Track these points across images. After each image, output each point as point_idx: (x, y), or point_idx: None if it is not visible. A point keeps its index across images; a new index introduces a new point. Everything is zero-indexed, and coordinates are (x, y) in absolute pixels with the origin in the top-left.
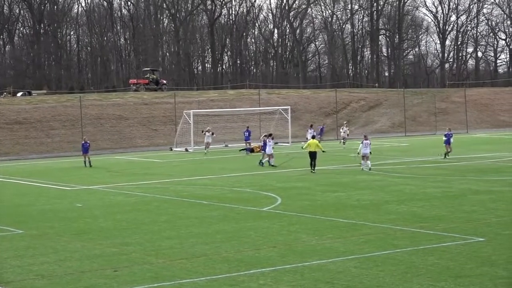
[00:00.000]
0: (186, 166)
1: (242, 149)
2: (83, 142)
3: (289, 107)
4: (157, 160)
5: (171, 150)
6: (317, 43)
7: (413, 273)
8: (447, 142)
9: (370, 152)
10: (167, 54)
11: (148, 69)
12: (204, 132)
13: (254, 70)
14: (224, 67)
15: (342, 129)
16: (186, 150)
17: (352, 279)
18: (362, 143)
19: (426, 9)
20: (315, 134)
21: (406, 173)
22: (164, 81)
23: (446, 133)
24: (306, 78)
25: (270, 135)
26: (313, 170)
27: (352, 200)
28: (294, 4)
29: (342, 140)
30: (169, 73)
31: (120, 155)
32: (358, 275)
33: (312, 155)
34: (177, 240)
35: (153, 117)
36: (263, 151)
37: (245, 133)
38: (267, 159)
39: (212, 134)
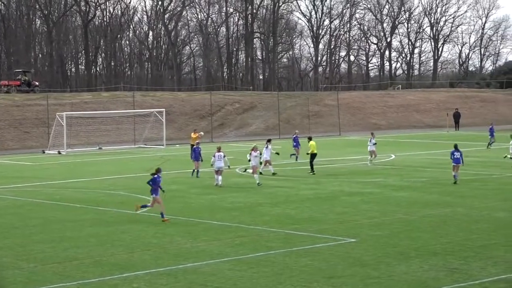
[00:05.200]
0: (59, 169)
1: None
2: None
3: (163, 109)
4: (29, 163)
5: (44, 152)
6: (192, 45)
7: (286, 274)
8: (491, 135)
9: (229, 166)
10: (40, 55)
11: (20, 70)
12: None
13: (129, 72)
14: (98, 69)
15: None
16: (59, 152)
17: (226, 281)
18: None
19: (300, 13)
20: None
21: (280, 175)
22: (37, 83)
23: (490, 127)
24: (181, 80)
25: (269, 140)
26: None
27: (226, 202)
28: (169, 6)
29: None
30: (42, 74)
31: None
32: (232, 277)
33: None
34: (49, 244)
35: (25, 119)
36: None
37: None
38: (263, 167)
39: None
